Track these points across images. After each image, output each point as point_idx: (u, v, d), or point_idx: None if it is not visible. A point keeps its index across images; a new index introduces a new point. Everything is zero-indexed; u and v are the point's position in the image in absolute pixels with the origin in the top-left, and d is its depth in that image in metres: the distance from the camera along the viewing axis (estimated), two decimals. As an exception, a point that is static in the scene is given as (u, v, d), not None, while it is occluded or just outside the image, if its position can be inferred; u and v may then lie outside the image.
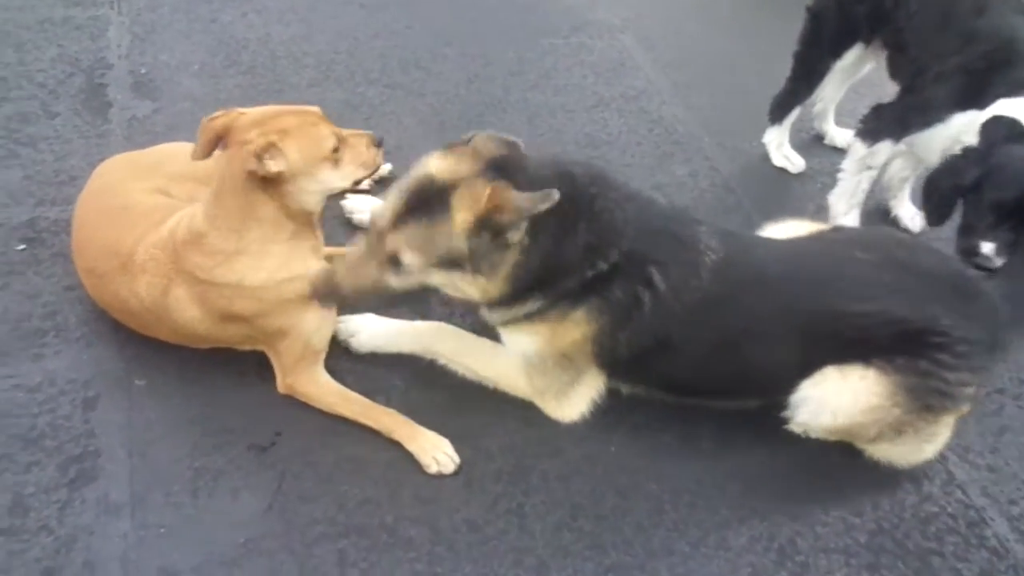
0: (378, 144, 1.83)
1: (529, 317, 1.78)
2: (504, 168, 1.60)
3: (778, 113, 2.74)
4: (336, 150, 1.73)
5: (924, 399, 1.73)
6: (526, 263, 1.67)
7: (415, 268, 1.64)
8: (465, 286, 1.70)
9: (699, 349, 1.80)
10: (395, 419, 1.83)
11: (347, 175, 1.78)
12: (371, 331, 1.99)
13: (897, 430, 1.77)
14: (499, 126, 2.75)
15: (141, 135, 2.47)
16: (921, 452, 1.87)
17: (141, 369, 1.89)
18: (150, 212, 1.83)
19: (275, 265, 1.75)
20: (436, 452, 1.79)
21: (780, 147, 2.79)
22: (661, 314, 1.73)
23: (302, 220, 1.78)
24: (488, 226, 1.58)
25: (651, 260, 1.73)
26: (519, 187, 1.57)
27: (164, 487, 1.70)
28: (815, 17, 2.54)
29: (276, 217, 1.72)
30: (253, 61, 2.86)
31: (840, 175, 2.52)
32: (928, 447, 1.86)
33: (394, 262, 1.63)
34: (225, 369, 1.90)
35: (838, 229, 2.22)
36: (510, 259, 1.66)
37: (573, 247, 1.69)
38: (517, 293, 1.73)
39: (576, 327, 1.77)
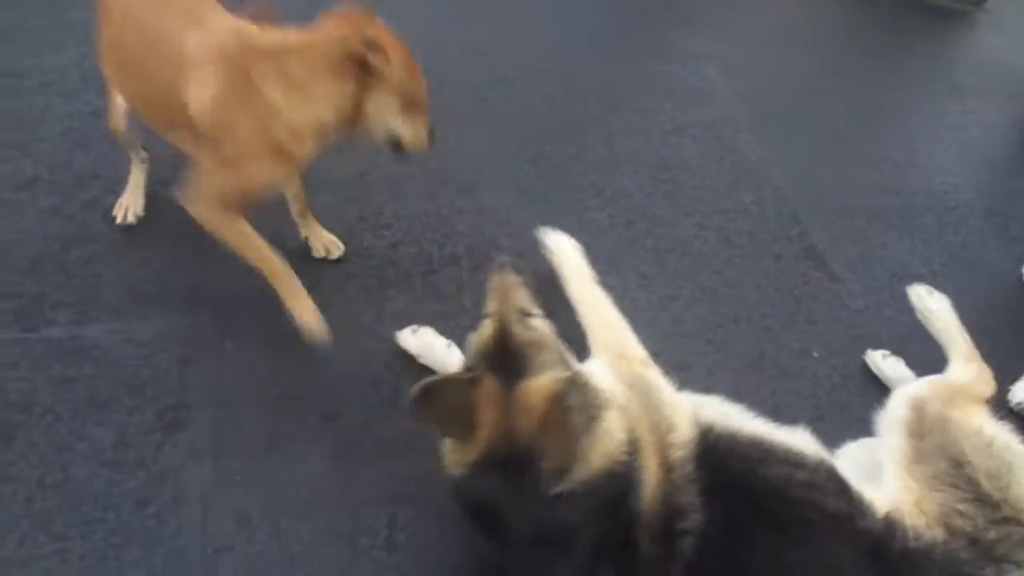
0: (433, 138, 1.97)
1: None
2: None
3: None
4: (416, 109, 1.86)
5: None
6: None
7: None
8: None
9: None
10: (288, 278, 1.98)
11: (403, 129, 1.88)
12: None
13: None
14: (576, 144, 2.93)
15: None
16: None
17: (232, 336, 2.12)
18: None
19: (280, 123, 1.77)
20: (311, 320, 1.99)
21: None
22: None
23: (315, 134, 1.82)
24: None
25: None
26: None
27: (242, 441, 1.92)
28: None
29: (316, 102, 1.75)
30: None
31: None
32: None
33: None
34: (304, 346, 2.11)
35: None
36: None
37: None
38: None
39: None
